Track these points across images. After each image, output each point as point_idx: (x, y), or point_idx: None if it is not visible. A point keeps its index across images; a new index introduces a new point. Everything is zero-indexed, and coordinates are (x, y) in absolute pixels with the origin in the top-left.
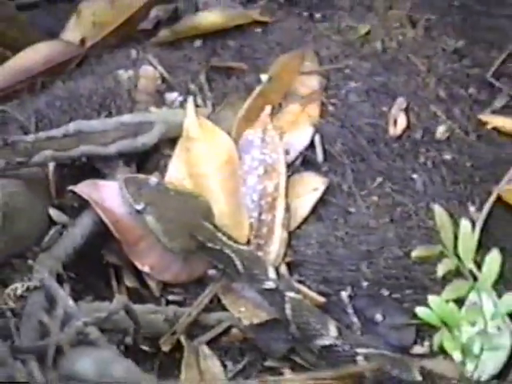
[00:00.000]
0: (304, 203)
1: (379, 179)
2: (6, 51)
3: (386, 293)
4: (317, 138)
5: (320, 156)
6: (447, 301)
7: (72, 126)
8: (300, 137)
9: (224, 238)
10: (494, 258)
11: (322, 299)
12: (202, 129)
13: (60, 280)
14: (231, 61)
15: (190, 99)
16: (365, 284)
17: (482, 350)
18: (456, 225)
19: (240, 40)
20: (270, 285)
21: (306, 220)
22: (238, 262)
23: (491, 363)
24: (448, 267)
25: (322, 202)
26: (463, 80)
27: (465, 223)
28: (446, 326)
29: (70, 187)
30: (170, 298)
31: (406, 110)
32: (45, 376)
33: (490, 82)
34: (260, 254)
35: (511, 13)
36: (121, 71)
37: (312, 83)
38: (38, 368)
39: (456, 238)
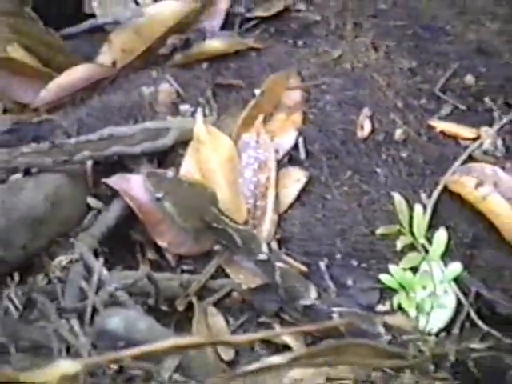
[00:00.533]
0: (290, 192)
1: (349, 173)
2: (53, 73)
3: (355, 263)
4: (300, 140)
5: (302, 154)
6: (404, 269)
7: (106, 131)
8: (286, 139)
9: (226, 220)
10: (441, 235)
11: (304, 268)
12: (208, 133)
13: (96, 254)
14: (232, 79)
15: (199, 110)
16: (338, 256)
17: (432, 308)
18: (411, 209)
19: (238, 62)
20: (263, 257)
21: (291, 205)
22: (237, 239)
23: (439, 319)
24: (405, 242)
25: (304, 191)
26: (416, 93)
27: (418, 207)
28: (403, 289)
29: (104, 180)
30: (184, 267)
31: (371, 118)
32: (83, 330)
33: (437, 95)
34: (255, 232)
35: (452, 40)
36: (144, 88)
37: (296, 97)
38: (77, 324)
39: (411, 219)
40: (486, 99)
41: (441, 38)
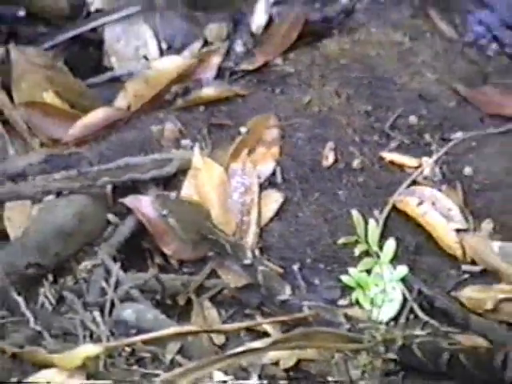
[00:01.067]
0: (269, 210)
1: (317, 194)
2: (80, 114)
3: (322, 266)
4: (277, 169)
5: (279, 180)
6: (361, 271)
7: (122, 161)
8: (266, 168)
9: (218, 232)
10: (390, 244)
11: (280, 270)
12: (204, 163)
13: (114, 259)
14: (223, 120)
15: (197, 144)
16: (308, 261)
17: (382, 302)
18: (366, 223)
19: (228, 106)
20: (247, 262)
21: (270, 220)
22: (227, 247)
23: (389, 311)
24: (361, 250)
25: (280, 209)
26: (370, 131)
27: (372, 222)
28: (360, 287)
29: (120, 200)
30: (185, 270)
31: (334, 150)
32: (103, 320)
33: (387, 132)
34: (242, 242)
35: (399, 88)
36: (152, 126)
37: (274, 134)
38: (99, 315)
39: (366, 231)
40: (426, 135)
41: (390, 87)
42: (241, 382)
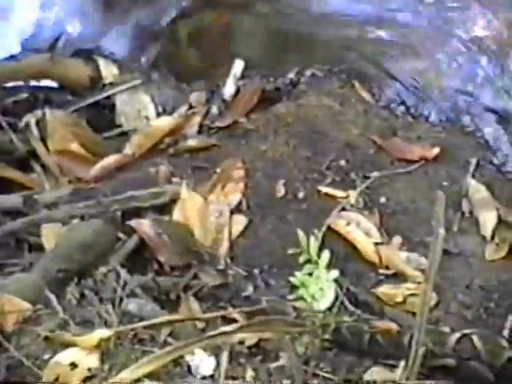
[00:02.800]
0: (237, 229)
1: (272, 218)
2: (97, 159)
3: (276, 271)
4: (243, 200)
5: (244, 207)
6: (304, 274)
7: (128, 194)
8: (235, 198)
9: (200, 245)
10: (325, 255)
11: (245, 274)
12: (189, 195)
13: (123, 266)
14: (202, 163)
15: (184, 182)
16: (266, 267)
17: (320, 297)
18: (308, 239)
19: (207, 153)
20: (221, 267)
21: (238, 237)
22: (206, 257)
23: (325, 303)
24: (305, 259)
25: (245, 229)
26: (311, 171)
27: (312, 238)
28: (304, 286)
29: (127, 222)
30: (175, 273)
31: (285, 185)
32: (114, 312)
33: (323, 172)
34: (217, 253)
35: (332, 139)
36: (151, 168)
37: (240, 174)
38: (111, 308)
39: (309, 245)
40: (352, 174)
41: (325, 139)
42: None
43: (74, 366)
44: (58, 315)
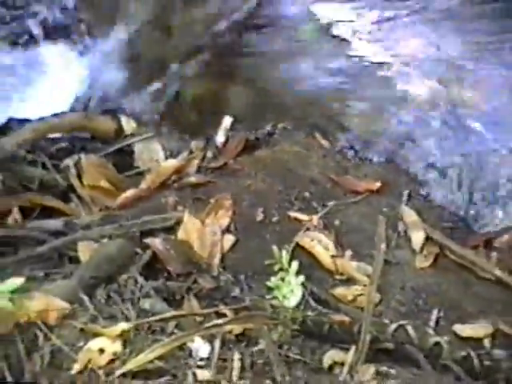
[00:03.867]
0: (227, 246)
1: (254, 237)
2: (121, 193)
3: (257, 277)
4: (232, 223)
5: (233, 229)
6: (278, 279)
7: (145, 218)
8: (225, 222)
9: (199, 257)
10: (294, 264)
11: (233, 279)
12: (190, 219)
13: (140, 274)
14: (201, 195)
15: (186, 210)
16: (250, 274)
17: (290, 296)
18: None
19: (204, 188)
20: (215, 274)
21: (227, 252)
22: (203, 266)
23: (294, 301)
24: (278, 267)
25: (233, 246)
26: (283, 201)
27: (284, 251)
28: (278, 288)
29: (144, 240)
30: (180, 279)
31: (263, 211)
32: (133, 308)
33: (293, 202)
34: (212, 263)
35: (297, 178)
36: (162, 199)
37: (229, 204)
38: (131, 306)
39: (281, 257)
40: (314, 203)
41: (295, 176)
42: None
43: (101, 351)
44: (90, 312)
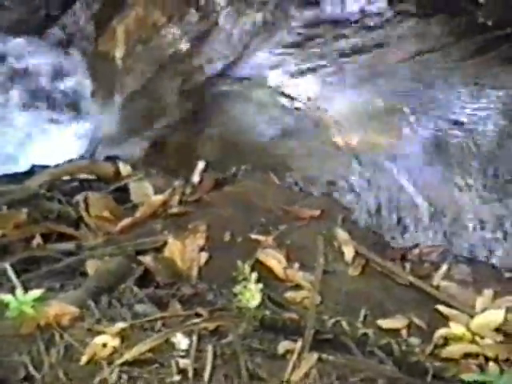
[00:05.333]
0: (202, 260)
1: (223, 254)
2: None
3: (226, 285)
4: (206, 244)
5: (206, 248)
6: (242, 287)
7: (139, 241)
8: (200, 242)
9: (181, 270)
10: (254, 275)
11: (207, 287)
12: (174, 241)
13: (135, 284)
14: (182, 223)
15: (170, 234)
16: (221, 283)
17: (252, 299)
18: (244, 266)
19: (184, 217)
20: (193, 283)
21: (203, 265)
22: (184, 277)
23: (254, 303)
24: (242, 277)
25: (207, 261)
26: (247, 227)
27: (246, 266)
28: (241, 294)
29: (138, 257)
30: (166, 287)
31: (231, 235)
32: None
33: (253, 226)
34: (191, 274)
35: (253, 211)
36: (152, 225)
37: (204, 228)
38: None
39: (244, 269)
40: (270, 227)
41: (254, 207)
42: None
43: (104, 345)
44: (95, 315)
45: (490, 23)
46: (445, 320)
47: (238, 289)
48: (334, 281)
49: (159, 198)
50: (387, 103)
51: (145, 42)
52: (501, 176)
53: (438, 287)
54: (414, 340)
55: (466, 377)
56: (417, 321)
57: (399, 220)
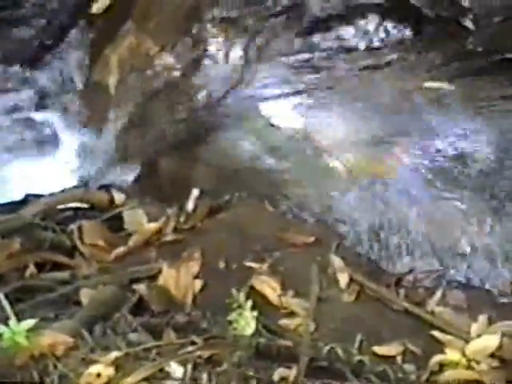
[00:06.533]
0: (197, 287)
1: (218, 281)
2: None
3: (220, 313)
4: (201, 271)
5: (201, 275)
6: (237, 314)
7: (133, 269)
8: (195, 269)
9: (175, 298)
10: (249, 302)
11: (201, 315)
12: (168, 269)
13: (129, 312)
14: (177, 251)
15: (165, 262)
16: (214, 311)
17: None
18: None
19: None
20: (188, 311)
21: (198, 292)
22: (179, 305)
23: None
24: (237, 304)
25: (202, 288)
26: (240, 254)
27: (241, 293)
28: (236, 322)
29: (132, 286)
30: (160, 315)
31: (225, 262)
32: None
33: (247, 253)
34: (185, 301)
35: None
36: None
37: (198, 256)
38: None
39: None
40: (265, 254)
41: (248, 234)
42: None
43: (98, 375)
44: (89, 344)
45: (479, 50)
46: (440, 346)
47: (232, 316)
48: (328, 307)
49: (153, 225)
50: (382, 129)
51: (138, 70)
52: (498, 200)
53: (432, 313)
54: (410, 367)
55: None
56: (412, 347)
57: (394, 246)
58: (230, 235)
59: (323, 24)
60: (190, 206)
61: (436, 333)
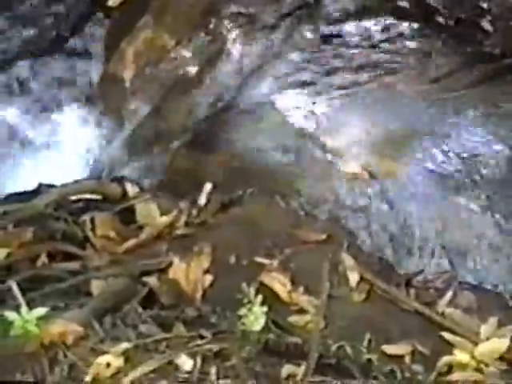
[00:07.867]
0: (206, 283)
1: (228, 276)
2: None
3: (230, 308)
4: (211, 266)
5: (211, 270)
6: (246, 310)
7: (145, 262)
8: (205, 265)
9: (185, 292)
10: (259, 297)
11: (211, 309)
12: (179, 263)
13: (139, 305)
14: (186, 245)
15: (176, 256)
16: (225, 305)
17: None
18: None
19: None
20: (198, 306)
21: (207, 288)
22: (189, 299)
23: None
24: (247, 300)
25: (212, 283)
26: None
27: (251, 288)
28: (246, 316)
29: (143, 278)
30: (170, 309)
31: (236, 257)
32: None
33: (258, 249)
34: (195, 297)
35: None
36: (157, 247)
37: (208, 250)
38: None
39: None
40: (275, 250)
41: (260, 229)
42: None
43: (108, 365)
44: (99, 335)
45: (496, 52)
46: (449, 347)
47: (242, 312)
48: (338, 305)
49: (165, 219)
50: (396, 130)
51: (154, 64)
52: (511, 203)
53: (442, 314)
54: (418, 367)
55: None
56: (421, 347)
57: (405, 246)
58: (241, 231)
59: (338, 21)
60: (202, 200)
61: (445, 334)
